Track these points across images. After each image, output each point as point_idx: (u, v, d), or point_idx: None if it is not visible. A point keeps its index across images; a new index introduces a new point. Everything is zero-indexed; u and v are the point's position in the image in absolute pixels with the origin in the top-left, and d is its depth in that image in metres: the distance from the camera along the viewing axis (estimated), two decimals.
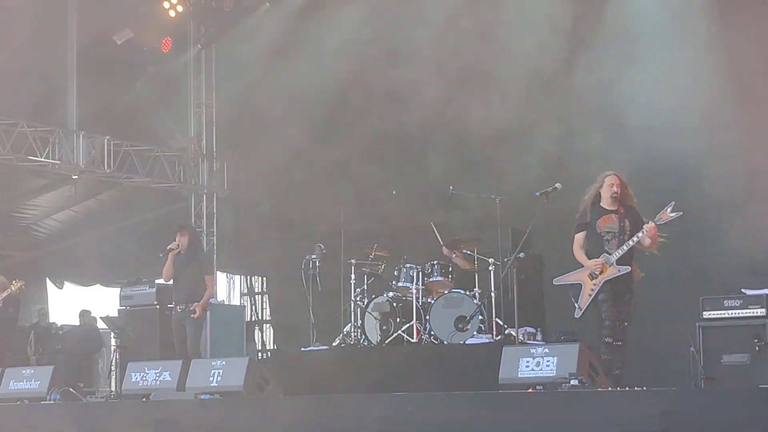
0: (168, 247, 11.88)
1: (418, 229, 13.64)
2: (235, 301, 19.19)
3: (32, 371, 11.11)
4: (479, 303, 11.92)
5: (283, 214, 16.14)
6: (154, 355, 13.06)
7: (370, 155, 14.53)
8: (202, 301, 11.72)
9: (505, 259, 11.56)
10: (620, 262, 9.37)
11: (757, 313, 10.67)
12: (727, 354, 10.61)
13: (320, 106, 15.52)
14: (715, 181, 11.67)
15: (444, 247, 12.83)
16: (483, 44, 13.79)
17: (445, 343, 11.75)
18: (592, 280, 9.41)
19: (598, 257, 9.44)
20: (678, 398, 7.51)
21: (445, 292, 12.24)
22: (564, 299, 13.14)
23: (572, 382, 8.00)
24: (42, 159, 15.94)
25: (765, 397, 7.28)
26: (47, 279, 20.53)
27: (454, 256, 12.70)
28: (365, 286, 12.82)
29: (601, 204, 9.58)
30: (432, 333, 11.94)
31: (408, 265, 12.46)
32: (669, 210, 9.30)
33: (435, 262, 12.49)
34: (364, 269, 12.85)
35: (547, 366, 8.29)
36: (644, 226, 9.34)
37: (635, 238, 9.34)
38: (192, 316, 11.64)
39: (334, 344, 12.58)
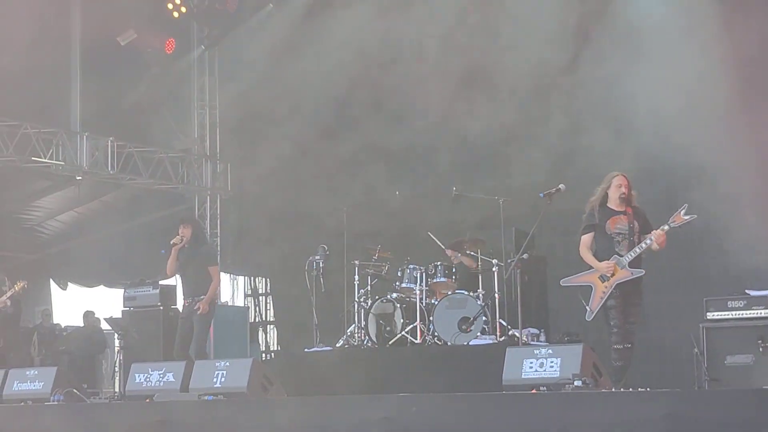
0: (171, 242, 11.68)
1: (422, 230, 13.64)
2: (239, 302, 19.18)
3: (36, 372, 11.09)
4: (483, 304, 11.91)
5: (286, 215, 16.14)
6: (158, 356, 13.05)
7: (374, 156, 14.52)
8: (208, 295, 11.47)
9: (509, 260, 11.56)
10: (632, 264, 9.31)
11: (761, 313, 10.65)
12: (731, 355, 10.59)
13: (324, 106, 15.53)
14: (721, 181, 11.65)
15: (447, 250, 12.84)
16: (489, 42, 13.79)
17: (449, 344, 11.74)
18: (603, 282, 9.30)
19: (608, 259, 9.35)
20: (682, 399, 7.50)
21: (449, 293, 12.25)
22: (568, 300, 13.15)
23: (576, 383, 7.99)
24: (46, 160, 15.95)
25: None
26: (51, 280, 20.55)
27: (459, 255, 12.71)
28: (369, 287, 12.83)
29: (609, 205, 9.50)
30: (436, 334, 11.94)
31: (411, 266, 12.47)
32: (683, 213, 9.21)
33: (438, 263, 12.49)
34: (367, 270, 12.86)
35: (551, 367, 8.28)
36: (653, 233, 9.27)
37: (644, 244, 9.28)
38: (195, 310, 11.44)
39: (337, 345, 12.59)
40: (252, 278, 19.38)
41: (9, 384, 11.06)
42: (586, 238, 9.54)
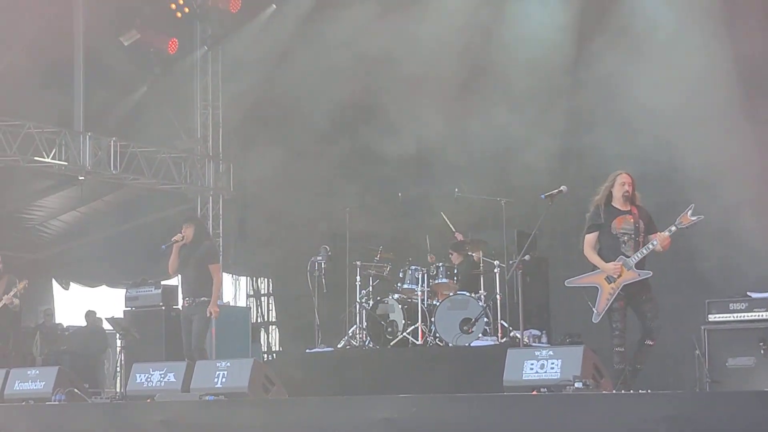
0: (172, 239, 11.58)
1: (424, 231, 13.64)
2: (241, 302, 19.19)
3: (37, 372, 11.09)
4: (484, 305, 11.91)
5: (288, 216, 16.15)
6: (160, 356, 13.05)
7: (376, 157, 14.53)
8: (213, 296, 11.36)
9: (510, 262, 11.55)
10: (639, 266, 9.26)
11: (762, 316, 10.63)
12: (732, 357, 10.58)
13: (327, 107, 15.53)
14: (723, 182, 11.64)
15: (451, 252, 12.86)
16: (489, 44, 13.81)
17: (450, 345, 11.74)
18: (609, 283, 9.25)
19: (613, 259, 9.30)
20: (683, 401, 7.48)
21: (451, 294, 12.24)
22: (569, 302, 13.15)
23: (576, 384, 7.97)
24: (48, 160, 15.97)
25: None
26: (53, 280, 20.57)
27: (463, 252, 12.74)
28: (370, 287, 12.83)
29: (613, 204, 9.44)
30: (437, 335, 11.94)
31: (413, 267, 12.47)
32: (689, 213, 9.16)
33: (440, 264, 12.49)
34: (369, 271, 12.85)
35: (552, 368, 8.26)
36: (658, 236, 9.23)
37: (651, 246, 9.23)
38: (208, 314, 11.34)
39: (339, 346, 12.59)
40: (254, 279, 19.39)
41: (10, 383, 11.06)
42: (591, 238, 9.47)
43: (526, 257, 10.17)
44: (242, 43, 17.33)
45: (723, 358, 10.61)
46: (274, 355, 18.02)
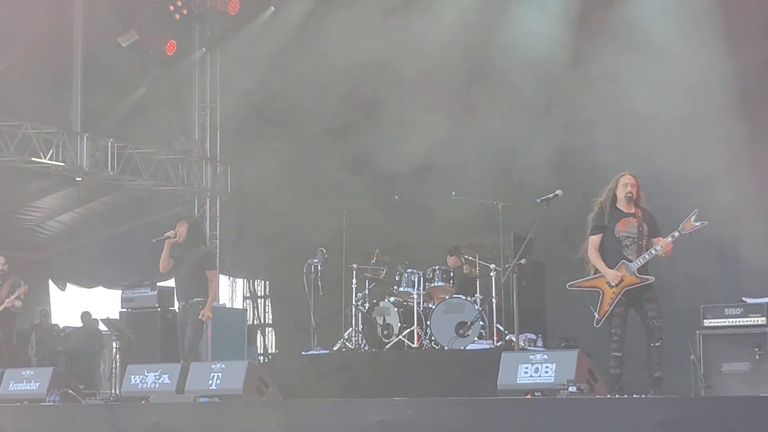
0: (165, 234, 11.33)
1: (421, 234, 13.64)
2: (238, 304, 19.20)
3: (32, 372, 11.07)
4: (480, 309, 11.91)
5: (286, 218, 16.15)
6: (155, 358, 13.06)
7: (373, 160, 14.53)
8: (209, 300, 11.17)
9: (506, 265, 11.55)
10: (641, 271, 9.23)
11: (757, 321, 10.65)
12: (727, 362, 10.59)
13: (324, 109, 15.54)
14: (720, 187, 11.64)
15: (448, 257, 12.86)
16: (489, 47, 13.82)
17: (446, 348, 11.74)
18: (611, 288, 9.22)
19: (616, 262, 9.26)
20: (678, 406, 7.48)
21: (447, 297, 12.24)
22: (565, 306, 13.16)
23: (570, 388, 7.97)
24: (46, 161, 15.98)
25: (765, 406, 7.24)
26: (50, 280, 20.55)
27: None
28: (367, 290, 12.81)
29: (618, 205, 9.39)
30: (433, 338, 11.94)
31: (409, 270, 12.47)
32: (693, 219, 9.13)
33: (436, 267, 12.49)
34: (365, 274, 12.84)
35: (546, 372, 8.27)
36: (660, 242, 9.20)
37: (654, 251, 9.20)
38: (202, 319, 11.17)
39: (335, 348, 12.58)
40: (251, 281, 19.39)
41: (5, 384, 11.04)
42: (595, 239, 9.40)
43: (522, 261, 10.17)
44: (241, 45, 17.33)
45: (718, 363, 10.63)
46: (270, 357, 18.02)
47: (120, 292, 14.77)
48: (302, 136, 16.26)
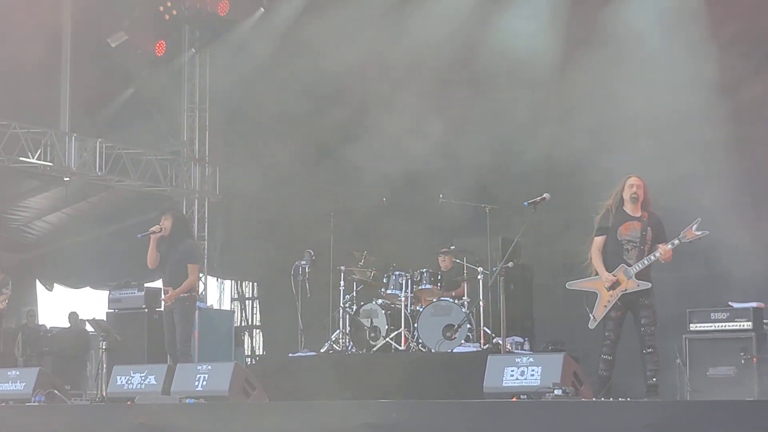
0: (150, 230, 11.20)
1: (408, 237, 13.64)
2: (225, 305, 19.17)
3: (18, 373, 11.03)
4: (468, 312, 11.92)
5: (274, 219, 16.14)
6: (142, 359, 13.02)
7: (361, 162, 14.52)
8: (179, 288, 11.00)
9: (494, 268, 11.56)
10: (640, 276, 9.26)
11: (743, 326, 10.68)
12: (713, 366, 10.61)
13: (313, 111, 15.52)
14: (706, 192, 11.66)
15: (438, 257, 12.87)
16: (477, 50, 13.82)
17: (433, 351, 11.76)
18: (609, 291, 9.25)
19: (616, 265, 9.29)
20: (663, 410, 7.49)
21: (434, 300, 12.24)
22: (552, 309, 13.20)
23: (556, 391, 7.99)
24: (34, 161, 15.93)
25: (751, 410, 7.26)
26: (37, 280, 20.50)
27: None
28: (354, 292, 12.82)
29: (624, 208, 9.42)
30: (420, 341, 11.95)
31: (397, 273, 12.47)
32: (694, 228, 9.14)
33: (424, 269, 12.49)
34: (353, 276, 12.84)
35: (532, 375, 8.28)
36: (660, 249, 9.20)
37: (653, 257, 9.21)
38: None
39: (322, 350, 12.58)
40: (239, 282, 19.37)
41: None
42: (599, 241, 9.43)
43: (509, 264, 10.18)
44: (230, 47, 17.31)
45: (704, 368, 10.65)
46: (257, 359, 18.01)
47: (107, 292, 14.71)
48: (291, 137, 16.24)
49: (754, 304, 10.90)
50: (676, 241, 9.22)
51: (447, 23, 14.03)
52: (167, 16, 16.97)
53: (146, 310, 13.84)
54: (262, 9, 17.09)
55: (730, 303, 10.98)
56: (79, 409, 10.55)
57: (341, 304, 12.67)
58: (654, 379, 9.20)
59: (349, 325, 12.54)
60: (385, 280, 12.56)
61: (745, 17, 12.38)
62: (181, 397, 9.65)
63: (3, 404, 10.72)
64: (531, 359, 8.44)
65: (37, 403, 10.43)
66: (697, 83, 12.09)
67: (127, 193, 18.16)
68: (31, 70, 15.74)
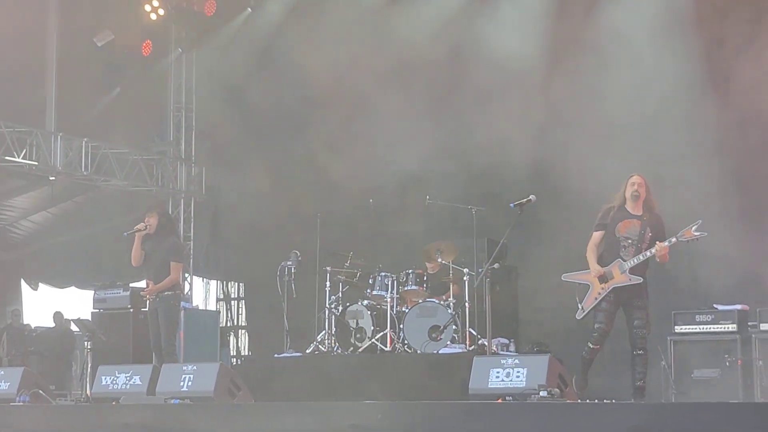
0: (135, 227, 11.22)
1: (395, 238, 13.64)
2: (211, 306, 19.14)
3: (2, 372, 10.98)
4: (453, 313, 11.92)
5: (260, 220, 16.12)
6: (127, 359, 12.99)
7: (348, 163, 14.52)
8: (159, 285, 11.04)
9: (479, 270, 11.57)
10: (634, 271, 9.30)
11: (728, 328, 10.74)
12: (698, 368, 10.66)
13: (301, 111, 15.52)
14: (690, 194, 11.70)
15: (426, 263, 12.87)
16: (466, 53, 13.84)
17: (419, 352, 11.75)
18: (601, 283, 9.32)
19: (612, 260, 9.35)
20: (648, 412, 7.49)
21: (420, 301, 12.25)
22: (538, 311, 13.22)
23: (541, 393, 8.00)
24: (19, 160, 15.85)
25: (735, 413, 7.28)
26: (22, 280, 20.43)
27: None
28: (340, 293, 12.81)
29: (626, 206, 9.49)
30: (406, 342, 11.95)
31: (383, 274, 12.48)
32: (693, 229, 9.17)
33: (410, 270, 12.50)
34: (339, 277, 12.84)
35: (517, 377, 8.29)
36: (657, 245, 9.23)
37: (648, 253, 9.25)
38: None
39: (307, 351, 12.57)
40: (224, 282, 19.34)
41: None
42: (596, 236, 9.55)
43: (495, 265, 10.20)
44: (217, 47, 17.28)
45: (689, 370, 10.70)
46: (242, 359, 17.99)
47: (92, 292, 14.68)
48: (277, 138, 16.24)
49: (738, 307, 10.96)
50: (674, 239, 9.25)
51: (433, 26, 14.05)
52: (154, 16, 16.97)
53: (131, 310, 13.82)
54: (249, 9, 17.09)
55: (714, 305, 11.03)
56: (64, 409, 10.51)
57: (327, 305, 12.66)
58: (642, 382, 9.24)
59: (335, 326, 12.54)
60: (371, 281, 12.56)
61: (732, 19, 12.44)
62: (166, 398, 9.62)
63: None
64: (516, 361, 8.45)
65: (21, 403, 10.38)
66: (684, 86, 12.15)
67: (112, 193, 18.10)
68: (17, 69, 15.71)
